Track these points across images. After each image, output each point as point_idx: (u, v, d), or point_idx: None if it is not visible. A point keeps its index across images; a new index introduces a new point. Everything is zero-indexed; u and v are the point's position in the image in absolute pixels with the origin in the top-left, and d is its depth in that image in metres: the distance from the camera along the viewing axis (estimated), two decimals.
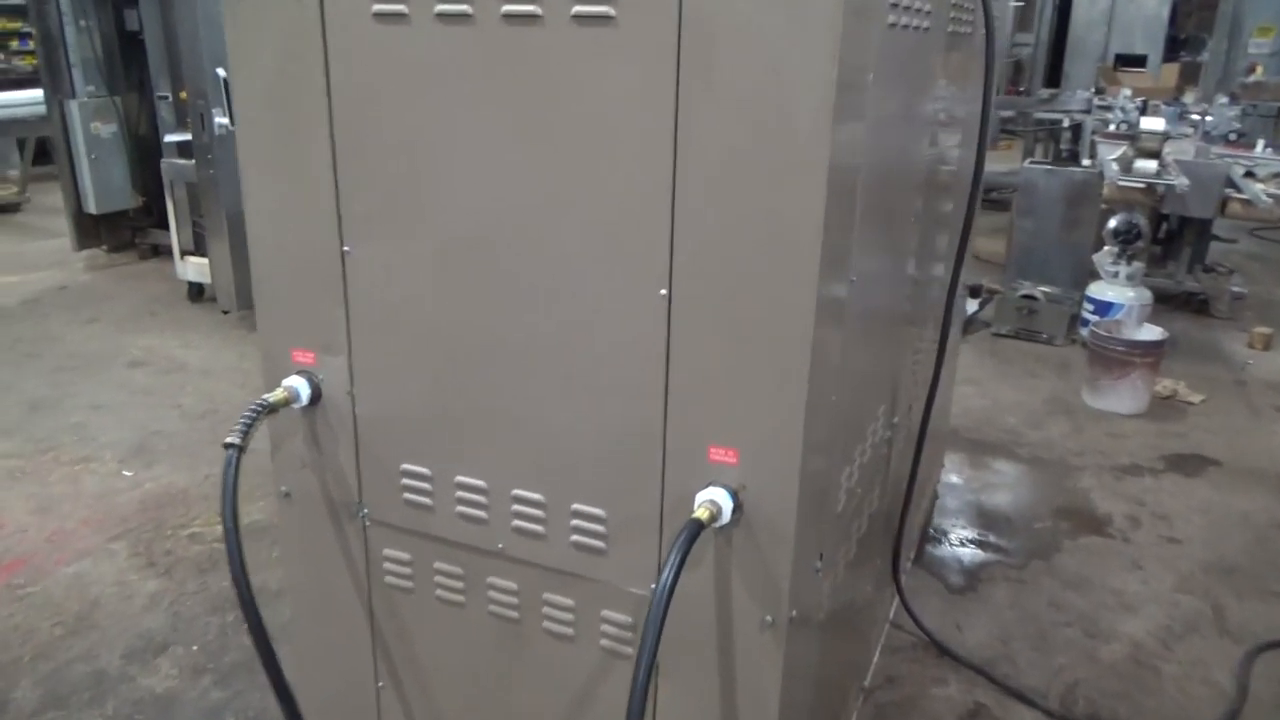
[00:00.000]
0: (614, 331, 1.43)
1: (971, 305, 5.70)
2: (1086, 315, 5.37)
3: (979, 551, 3.28)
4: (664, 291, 1.38)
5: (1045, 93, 9.97)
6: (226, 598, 2.87)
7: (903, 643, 2.76)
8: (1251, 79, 10.52)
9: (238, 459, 1.54)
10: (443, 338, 1.57)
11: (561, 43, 1.33)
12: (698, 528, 1.34)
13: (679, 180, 1.32)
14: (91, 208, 6.62)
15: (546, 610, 1.64)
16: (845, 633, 2.13)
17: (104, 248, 6.93)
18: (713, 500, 1.38)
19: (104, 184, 6.63)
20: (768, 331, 1.33)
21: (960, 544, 3.32)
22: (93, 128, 6.52)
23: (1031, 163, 6.33)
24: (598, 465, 1.51)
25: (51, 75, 6.39)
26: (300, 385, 1.68)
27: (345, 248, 1.59)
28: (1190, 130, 6.61)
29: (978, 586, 3.08)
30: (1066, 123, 8.59)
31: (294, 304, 1.68)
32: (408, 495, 1.69)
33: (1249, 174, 5.45)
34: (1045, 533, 3.43)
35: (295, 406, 1.69)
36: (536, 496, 1.58)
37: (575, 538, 1.57)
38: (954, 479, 3.81)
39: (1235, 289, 6.11)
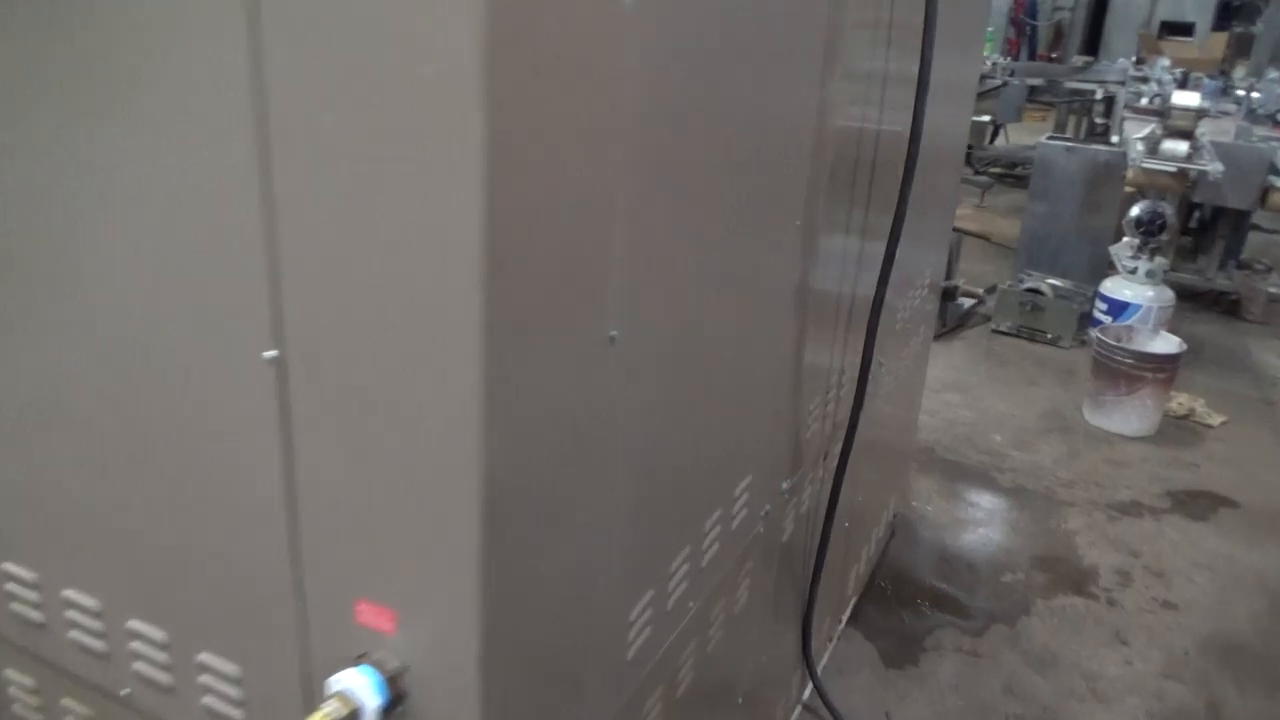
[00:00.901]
0: (209, 410, 0.90)
1: (966, 302, 5.07)
2: (1099, 315, 4.73)
3: (931, 611, 2.74)
4: (271, 353, 0.84)
5: (1080, 60, 9.16)
6: None
7: None
8: None
9: None
10: (3, 393, 1.04)
11: None
12: None
13: (277, 168, 0.78)
14: None
15: None
16: None
17: None
18: (346, 693, 0.85)
19: None
20: (423, 423, 0.79)
21: (909, 600, 2.77)
22: None
23: (1049, 138, 5.63)
24: (223, 606, 0.99)
25: None
26: None
27: None
28: (1234, 107, 5.87)
29: (920, 659, 2.54)
30: (1100, 94, 7.83)
31: None
32: (15, 605, 1.18)
33: None
34: (1015, 589, 2.87)
35: None
36: (157, 635, 1.06)
37: (208, 699, 1.05)
38: (917, 512, 3.25)
39: (1272, 290, 5.43)
